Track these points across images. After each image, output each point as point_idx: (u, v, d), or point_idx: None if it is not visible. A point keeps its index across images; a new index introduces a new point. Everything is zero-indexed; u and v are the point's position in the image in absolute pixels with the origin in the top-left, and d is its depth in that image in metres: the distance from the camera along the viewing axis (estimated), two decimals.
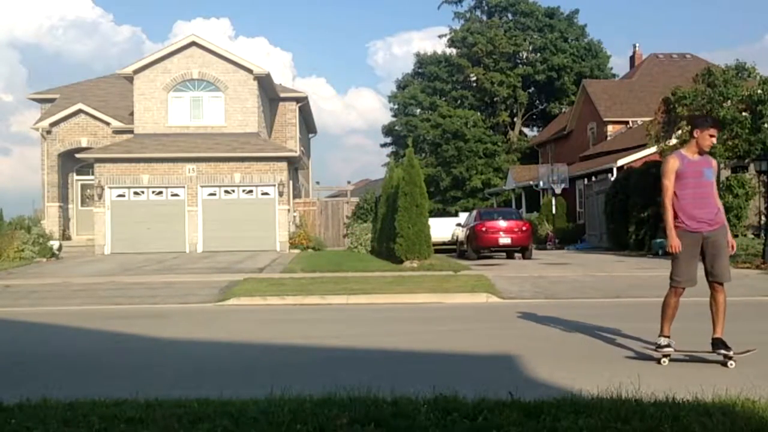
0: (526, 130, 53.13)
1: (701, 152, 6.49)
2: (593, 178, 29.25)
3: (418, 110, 49.65)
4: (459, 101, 49.18)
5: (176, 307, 12.24)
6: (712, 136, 6.46)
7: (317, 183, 37.60)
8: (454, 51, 50.06)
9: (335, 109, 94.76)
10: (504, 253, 22.16)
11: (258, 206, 26.06)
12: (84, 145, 28.31)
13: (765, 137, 19.42)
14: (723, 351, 6.25)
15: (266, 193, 26.28)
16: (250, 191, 26.34)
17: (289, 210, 26.99)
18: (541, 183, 32.09)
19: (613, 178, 25.80)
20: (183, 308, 12.08)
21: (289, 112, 31.33)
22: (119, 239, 25.49)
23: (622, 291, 12.94)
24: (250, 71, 27.27)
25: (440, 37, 56.68)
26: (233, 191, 26.35)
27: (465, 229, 22.99)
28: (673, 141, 21.06)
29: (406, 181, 17.83)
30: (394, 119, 51.17)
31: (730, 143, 19.76)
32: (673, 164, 6.42)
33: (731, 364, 6.16)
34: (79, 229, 29.26)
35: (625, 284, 13.84)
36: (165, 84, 27.08)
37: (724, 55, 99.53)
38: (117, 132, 28.36)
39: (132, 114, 27.62)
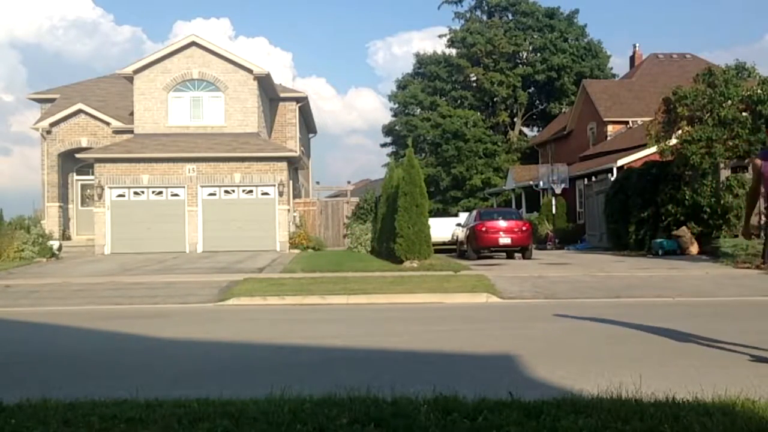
0: (526, 130, 53.15)
1: None
2: (593, 178, 29.25)
3: (418, 110, 49.65)
4: (459, 101, 49.18)
5: (176, 307, 12.24)
6: None
7: (317, 183, 37.60)
8: (453, 51, 50.08)
9: (335, 109, 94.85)
10: (504, 253, 22.16)
11: (258, 206, 26.07)
12: (84, 145, 28.31)
13: (765, 137, 19.43)
14: None
15: (266, 193, 26.29)
16: (250, 191, 26.35)
17: (289, 210, 27.00)
18: (541, 183, 32.09)
19: (613, 178, 25.80)
20: (183, 308, 12.09)
21: (289, 112, 31.33)
22: (119, 239, 25.49)
23: (622, 291, 12.94)
24: (250, 71, 27.27)
25: (440, 37, 56.72)
26: (233, 191, 26.35)
27: (465, 229, 22.99)
28: (673, 141, 21.05)
29: (406, 181, 17.83)
30: (394, 119, 51.18)
31: (730, 143, 19.77)
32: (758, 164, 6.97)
33: None
34: (79, 229, 29.27)
35: (625, 284, 13.84)
36: (165, 84, 27.09)
37: (724, 55, 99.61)
38: (117, 132, 28.36)
39: (132, 114, 27.62)
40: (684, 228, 20.54)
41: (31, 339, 9.28)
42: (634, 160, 25.79)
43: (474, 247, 21.64)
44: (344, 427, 4.18)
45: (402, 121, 49.31)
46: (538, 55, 48.89)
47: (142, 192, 26.09)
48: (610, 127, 34.52)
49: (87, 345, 8.67)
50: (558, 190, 30.79)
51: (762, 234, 9.78)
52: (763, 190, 7.04)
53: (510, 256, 22.00)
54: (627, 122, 34.11)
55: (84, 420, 4.38)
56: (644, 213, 21.96)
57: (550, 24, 48.68)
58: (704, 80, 20.91)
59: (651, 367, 6.23)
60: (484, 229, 21.40)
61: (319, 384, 5.35)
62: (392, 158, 47.82)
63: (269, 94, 29.80)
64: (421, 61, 50.88)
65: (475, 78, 48.89)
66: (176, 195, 26.09)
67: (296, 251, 25.23)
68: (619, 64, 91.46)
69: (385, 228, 20.51)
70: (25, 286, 14.93)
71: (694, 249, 20.28)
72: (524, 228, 21.63)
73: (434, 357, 7.25)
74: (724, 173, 20.66)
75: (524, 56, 50.06)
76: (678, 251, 20.44)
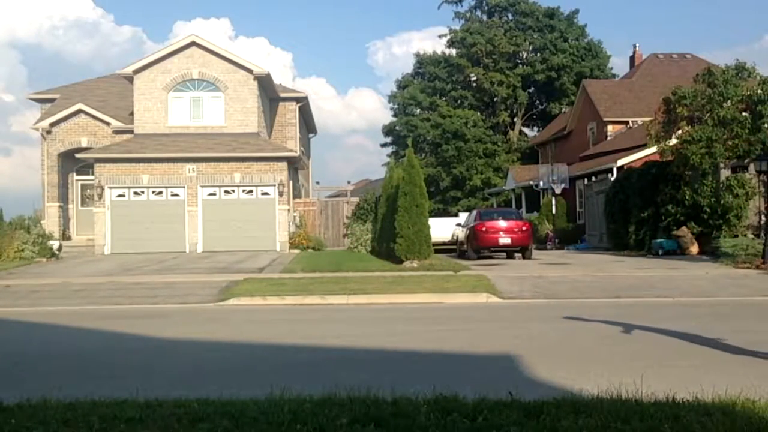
0: (526, 130, 53.12)
1: None
2: (593, 178, 29.24)
3: (418, 110, 49.64)
4: (459, 101, 49.17)
5: (176, 307, 12.25)
6: None
7: (317, 183, 37.58)
8: (453, 51, 50.06)
9: (335, 109, 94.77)
10: (504, 253, 22.15)
11: (258, 206, 26.06)
12: (84, 145, 28.30)
13: (765, 137, 19.40)
14: None
15: (266, 193, 26.28)
16: (250, 191, 26.34)
17: (289, 210, 27.00)
18: (541, 183, 32.08)
19: (613, 178, 25.79)
20: (183, 308, 12.09)
21: (289, 112, 31.32)
22: (119, 239, 25.48)
23: (622, 291, 12.94)
24: (250, 71, 27.26)
25: (440, 37, 56.64)
26: (233, 191, 26.35)
27: (465, 229, 22.99)
28: (673, 141, 21.05)
29: (406, 181, 17.83)
30: (394, 119, 51.16)
31: (730, 143, 19.75)
32: None
33: None
34: (79, 229, 29.25)
35: (625, 284, 13.84)
36: (165, 84, 27.09)
37: (724, 55, 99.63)
38: (117, 132, 28.35)
39: (132, 114, 27.61)
40: (684, 228, 20.54)
41: (31, 339, 9.28)
42: (634, 160, 25.78)
43: (474, 247, 21.63)
44: (344, 427, 4.18)
45: (402, 121, 49.29)
46: (538, 55, 48.88)
47: (142, 192, 26.08)
48: (610, 127, 34.50)
49: (87, 345, 8.67)
50: (558, 190, 30.78)
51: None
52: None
53: (510, 256, 21.99)
54: (627, 122, 34.09)
55: (84, 420, 4.39)
56: (644, 213, 21.96)
57: (550, 24, 48.66)
58: (704, 80, 20.90)
59: (651, 367, 6.23)
60: (484, 229, 21.40)
61: (319, 384, 5.35)
62: (392, 158, 47.80)
63: (269, 94, 29.79)
64: (421, 61, 50.87)
65: (475, 78, 48.88)
66: (176, 195, 26.08)
67: (296, 251, 25.22)
68: (619, 64, 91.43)
69: (385, 228, 20.51)
70: (26, 286, 14.92)
71: (694, 249, 20.28)
72: (524, 228, 21.62)
73: (434, 357, 7.25)
74: (724, 173, 20.65)
75: (524, 56, 50.03)
76: (678, 251, 20.44)
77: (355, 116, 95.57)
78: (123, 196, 25.98)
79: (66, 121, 28.65)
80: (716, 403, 4.59)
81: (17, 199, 78.17)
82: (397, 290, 13.08)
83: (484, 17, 51.35)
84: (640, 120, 31.74)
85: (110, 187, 25.82)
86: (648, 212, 21.84)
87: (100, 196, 25.69)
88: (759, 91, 19.87)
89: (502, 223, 21.57)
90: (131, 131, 27.43)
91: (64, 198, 29.05)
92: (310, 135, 38.80)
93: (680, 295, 12.48)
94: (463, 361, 7.02)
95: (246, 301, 12.46)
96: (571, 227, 30.21)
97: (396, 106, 51.09)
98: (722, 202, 19.87)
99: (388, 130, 51.52)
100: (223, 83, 27.19)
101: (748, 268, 15.83)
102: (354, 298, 12.52)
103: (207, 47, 27.33)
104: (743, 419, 4.18)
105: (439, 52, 50.85)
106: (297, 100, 31.60)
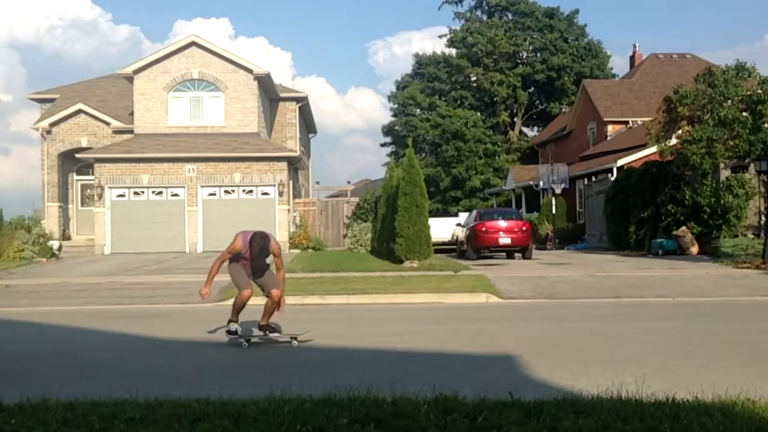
0: (526, 130, 53.11)
1: None
2: (593, 178, 29.24)
3: (418, 110, 49.63)
4: (459, 101, 49.15)
5: (176, 307, 12.25)
6: None
7: (317, 183, 37.58)
8: (453, 51, 50.05)
9: (335, 108, 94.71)
10: (504, 253, 22.14)
11: (258, 206, 26.05)
12: (84, 145, 28.30)
13: (765, 137, 19.40)
14: None
15: (266, 193, 26.28)
16: (250, 191, 26.34)
17: (289, 210, 27.00)
18: (541, 183, 32.08)
19: (613, 178, 25.79)
20: (183, 308, 12.09)
21: (289, 112, 31.32)
22: (119, 239, 25.48)
23: (622, 291, 12.94)
24: (250, 71, 27.26)
25: (440, 37, 56.68)
26: (233, 191, 26.35)
27: (465, 229, 22.98)
28: (674, 141, 21.05)
29: (406, 181, 17.83)
30: (393, 119, 51.15)
31: (730, 143, 19.75)
32: None
33: None
34: (79, 229, 29.25)
35: (625, 284, 13.83)
36: (165, 84, 27.08)
37: (724, 55, 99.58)
38: (117, 132, 28.34)
39: (132, 114, 27.61)
40: (684, 228, 20.54)
41: (31, 339, 9.28)
42: (634, 160, 25.78)
43: (474, 247, 21.63)
44: (344, 427, 4.18)
45: (402, 121, 49.28)
46: (538, 55, 48.87)
47: (142, 192, 26.08)
48: (610, 127, 34.50)
49: (87, 345, 8.67)
50: (558, 190, 30.78)
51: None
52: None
53: (510, 256, 21.99)
54: (627, 122, 34.09)
55: (84, 420, 4.39)
56: (644, 213, 21.95)
57: (550, 24, 48.65)
58: (704, 80, 20.89)
59: (651, 367, 6.23)
60: (484, 229, 21.39)
61: (319, 384, 5.35)
62: (392, 158, 47.74)
63: (269, 94, 29.79)
64: (421, 61, 50.86)
65: (475, 78, 48.87)
66: (176, 195, 26.09)
67: (296, 251, 25.23)
68: (619, 64, 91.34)
69: (385, 228, 20.50)
70: (25, 285, 14.92)
71: (694, 249, 20.27)
72: (524, 228, 21.62)
73: (434, 357, 7.25)
74: (724, 173, 20.65)
75: (524, 56, 50.02)
76: (678, 251, 20.43)
77: (355, 116, 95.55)
78: (123, 196, 25.97)
79: (66, 121, 28.65)
80: (716, 403, 4.58)
81: (17, 199, 78.24)
82: (397, 290, 13.08)
83: (484, 17, 51.36)
84: (640, 120, 31.74)
85: (110, 187, 25.82)
86: (648, 212, 21.84)
87: (100, 196, 25.69)
88: (759, 91, 19.88)
89: (502, 223, 21.57)
90: (131, 131, 27.43)
91: (64, 198, 29.05)
92: (310, 135, 38.81)
93: (680, 295, 12.48)
94: (463, 361, 7.02)
95: None
96: (571, 227, 30.22)
97: (395, 106, 51.10)
98: (722, 202, 19.87)
99: (388, 130, 51.52)
100: (223, 83, 27.19)
101: (748, 268, 15.82)
102: (354, 298, 12.52)
103: (207, 47, 27.33)
104: (743, 419, 4.18)
105: (438, 52, 50.88)
106: (297, 100, 31.60)
